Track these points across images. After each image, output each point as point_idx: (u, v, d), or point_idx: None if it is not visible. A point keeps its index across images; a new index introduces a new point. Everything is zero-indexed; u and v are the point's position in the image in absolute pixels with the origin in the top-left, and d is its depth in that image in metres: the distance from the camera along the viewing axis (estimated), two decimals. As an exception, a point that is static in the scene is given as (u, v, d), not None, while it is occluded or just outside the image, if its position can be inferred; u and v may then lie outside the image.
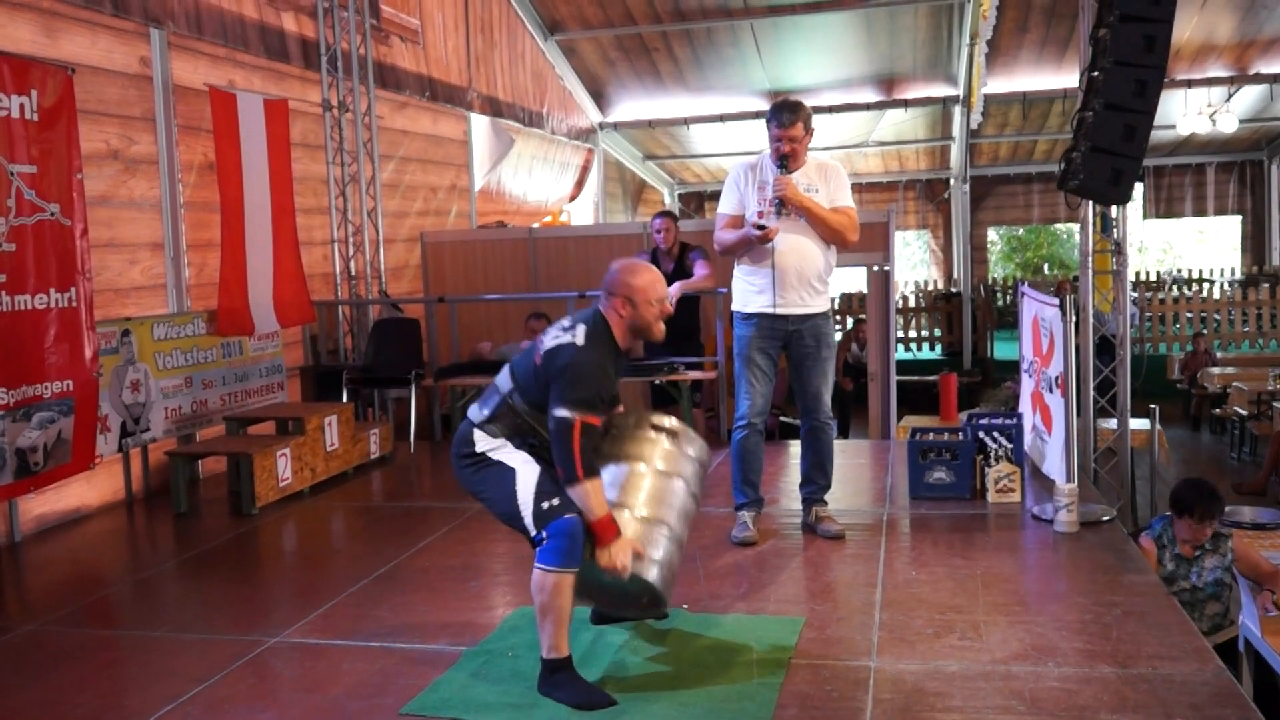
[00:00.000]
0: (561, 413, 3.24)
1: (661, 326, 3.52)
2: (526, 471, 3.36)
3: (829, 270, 4.85)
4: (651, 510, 3.40)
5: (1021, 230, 23.82)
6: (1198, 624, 4.15)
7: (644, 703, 3.23)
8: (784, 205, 4.66)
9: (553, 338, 3.39)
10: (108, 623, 4.29)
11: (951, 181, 17.37)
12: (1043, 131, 16.15)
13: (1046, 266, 23.85)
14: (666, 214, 7.27)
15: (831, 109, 13.94)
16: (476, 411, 3.51)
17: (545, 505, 3.28)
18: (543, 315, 7.83)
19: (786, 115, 4.68)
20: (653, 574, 3.32)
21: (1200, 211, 18.17)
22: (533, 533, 3.29)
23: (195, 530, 5.59)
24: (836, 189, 4.79)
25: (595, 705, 3.20)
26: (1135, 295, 13.53)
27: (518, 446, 3.42)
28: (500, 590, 4.43)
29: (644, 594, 3.38)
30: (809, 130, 4.74)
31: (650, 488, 3.44)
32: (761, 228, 4.65)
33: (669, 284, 6.82)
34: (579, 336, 3.35)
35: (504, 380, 3.49)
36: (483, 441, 3.45)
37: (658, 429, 3.55)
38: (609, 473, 3.41)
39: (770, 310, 4.77)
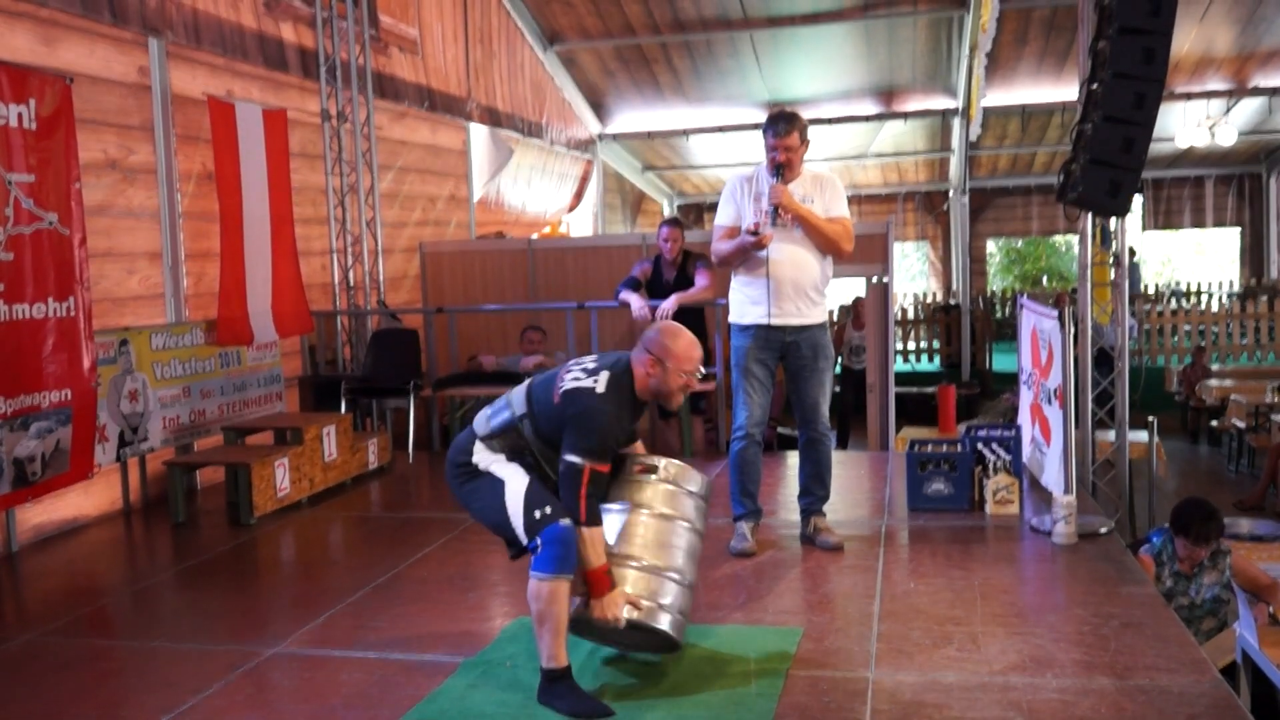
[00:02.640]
0: (572, 458, 3.28)
1: (681, 399, 3.53)
2: (516, 481, 3.38)
3: (825, 281, 4.85)
4: (656, 557, 3.38)
5: (1020, 242, 23.85)
6: (1193, 639, 4.14)
7: (641, 713, 3.22)
8: (779, 214, 4.67)
9: (573, 378, 3.38)
10: (105, 633, 4.27)
11: (950, 193, 17.39)
12: (1042, 143, 16.19)
13: (1045, 278, 23.87)
14: (674, 222, 7.17)
15: (830, 121, 13.98)
16: (483, 424, 3.51)
17: (537, 514, 3.29)
18: (539, 328, 7.82)
19: (782, 125, 4.70)
20: (664, 621, 3.34)
21: (1199, 224, 18.23)
22: (525, 541, 3.30)
23: (193, 540, 5.58)
24: (832, 199, 4.80)
25: (594, 715, 3.20)
26: (1134, 307, 13.56)
27: (509, 459, 3.44)
28: (498, 600, 4.42)
29: (657, 639, 3.41)
30: (804, 141, 4.75)
31: (651, 533, 3.41)
32: (755, 232, 4.66)
33: (670, 293, 6.87)
34: (600, 383, 3.35)
35: (519, 401, 3.47)
36: (480, 455, 3.47)
37: (648, 470, 3.50)
38: (610, 520, 3.39)
39: (766, 321, 4.77)
